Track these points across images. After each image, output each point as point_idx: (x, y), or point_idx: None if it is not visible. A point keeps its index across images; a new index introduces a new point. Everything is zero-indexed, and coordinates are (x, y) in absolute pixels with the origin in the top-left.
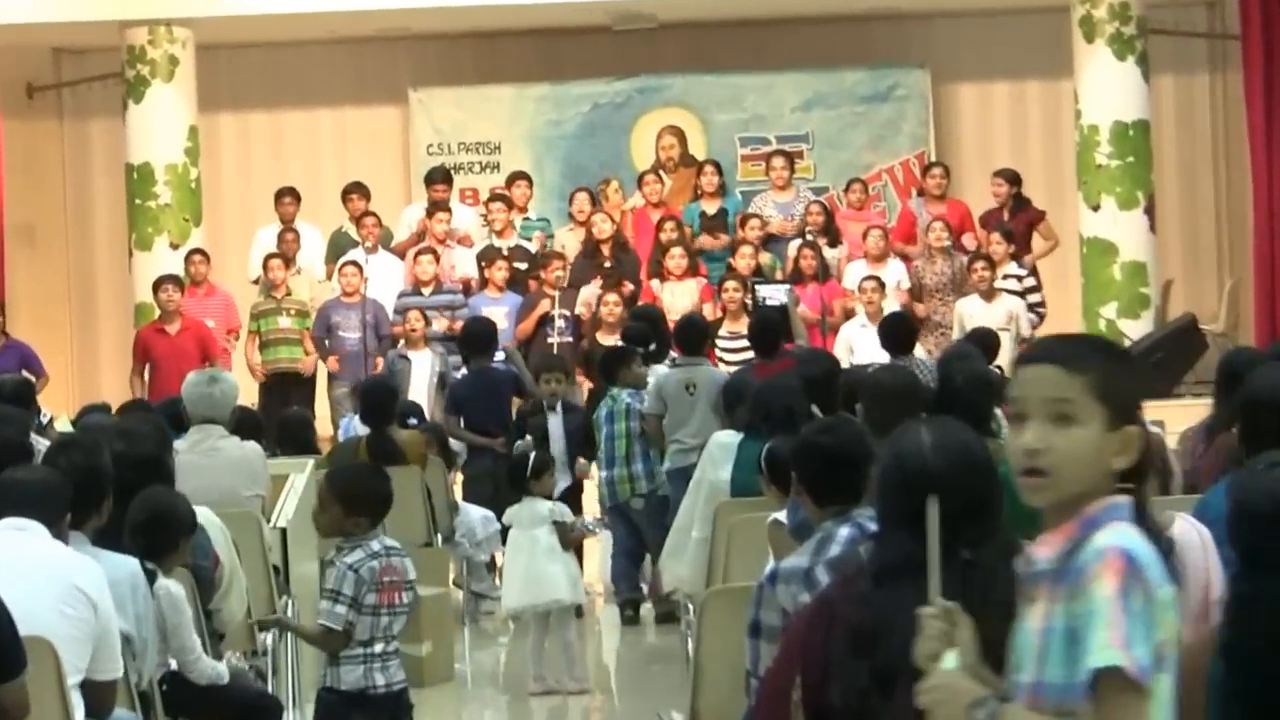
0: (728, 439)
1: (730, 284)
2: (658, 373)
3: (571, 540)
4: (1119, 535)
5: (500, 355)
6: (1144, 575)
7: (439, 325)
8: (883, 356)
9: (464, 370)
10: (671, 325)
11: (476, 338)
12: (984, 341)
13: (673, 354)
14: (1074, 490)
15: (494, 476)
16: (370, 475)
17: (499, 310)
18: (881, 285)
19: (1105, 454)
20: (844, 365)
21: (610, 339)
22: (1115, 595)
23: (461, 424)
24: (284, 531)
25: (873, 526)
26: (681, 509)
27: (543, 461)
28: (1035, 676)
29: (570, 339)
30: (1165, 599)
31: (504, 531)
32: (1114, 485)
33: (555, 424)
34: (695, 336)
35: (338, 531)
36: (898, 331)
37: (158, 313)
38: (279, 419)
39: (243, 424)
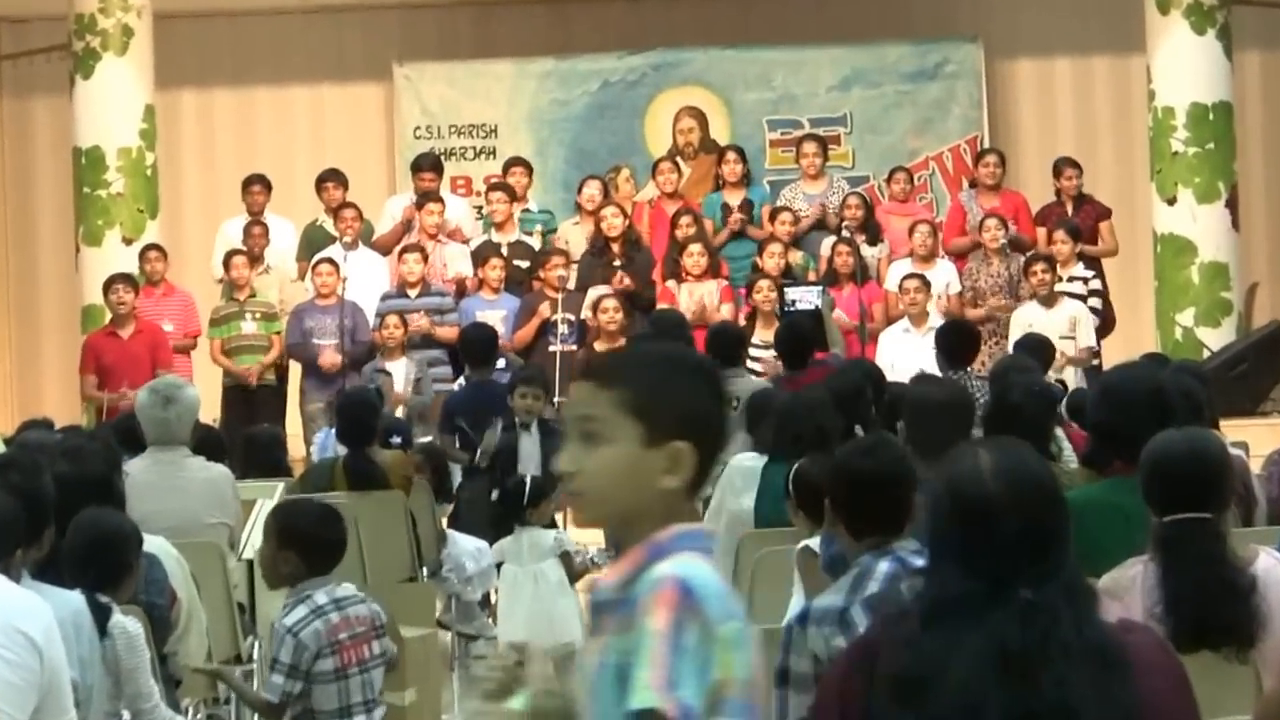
0: (750, 463)
1: (762, 284)
2: None
3: (577, 574)
4: (679, 565)
5: (501, 364)
6: (702, 609)
7: (415, 326)
8: (929, 367)
9: (460, 382)
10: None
11: (476, 345)
12: (1036, 349)
13: None
14: (611, 510)
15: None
16: (320, 515)
17: (495, 314)
18: (926, 285)
19: (645, 473)
20: (885, 377)
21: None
22: (665, 630)
23: (457, 443)
24: (250, 565)
25: (916, 561)
26: None
27: (540, 487)
28: (591, 717)
29: (574, 346)
30: (729, 635)
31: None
32: (685, 506)
33: (529, 445)
34: (730, 345)
35: (272, 577)
36: (957, 341)
37: (109, 317)
38: (244, 437)
39: (205, 444)
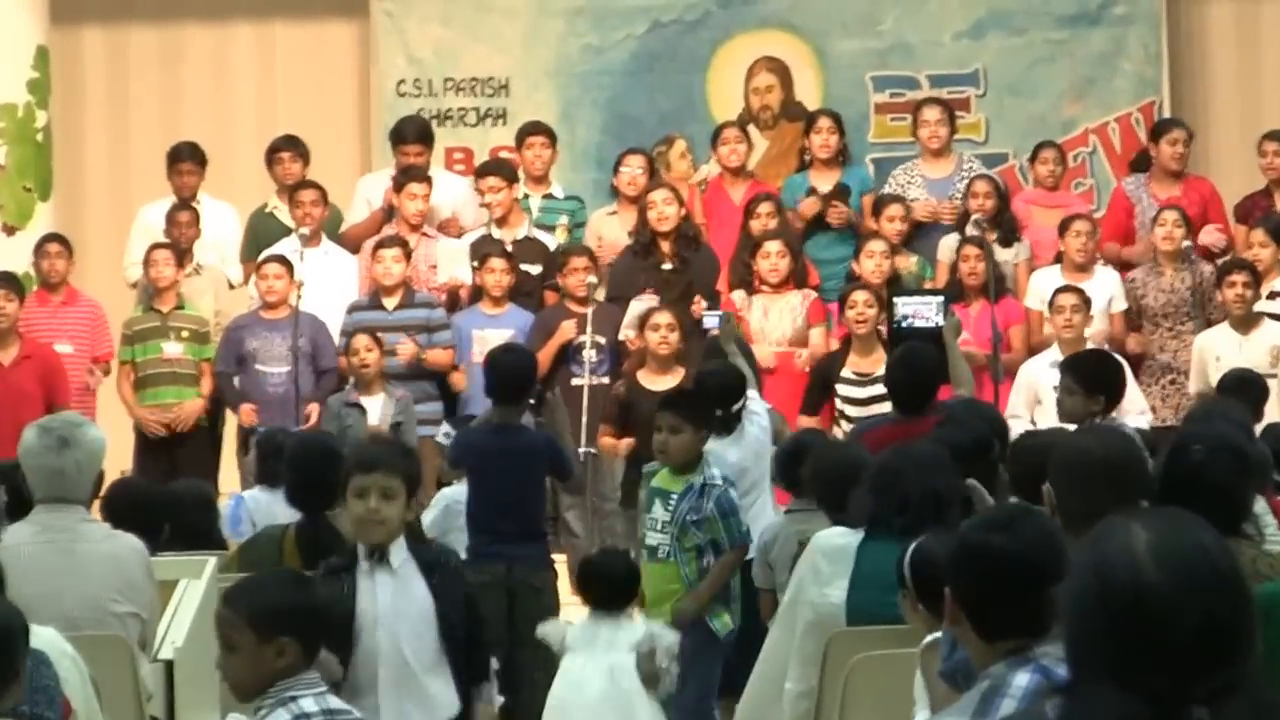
0: (841, 540)
1: (859, 297)
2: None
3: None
4: None
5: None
6: None
7: (402, 354)
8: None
9: (474, 421)
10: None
11: (508, 376)
12: (1245, 391)
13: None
14: None
15: (508, 588)
16: (292, 584)
17: (498, 333)
18: (1086, 303)
19: None
20: (1025, 425)
21: (661, 381)
22: None
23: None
24: (169, 666)
25: (1064, 672)
26: (768, 646)
27: (632, 569)
28: None
29: (606, 379)
30: None
31: (506, 670)
32: None
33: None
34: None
35: (257, 681)
36: (1093, 375)
37: None
38: (163, 495)
39: (116, 504)
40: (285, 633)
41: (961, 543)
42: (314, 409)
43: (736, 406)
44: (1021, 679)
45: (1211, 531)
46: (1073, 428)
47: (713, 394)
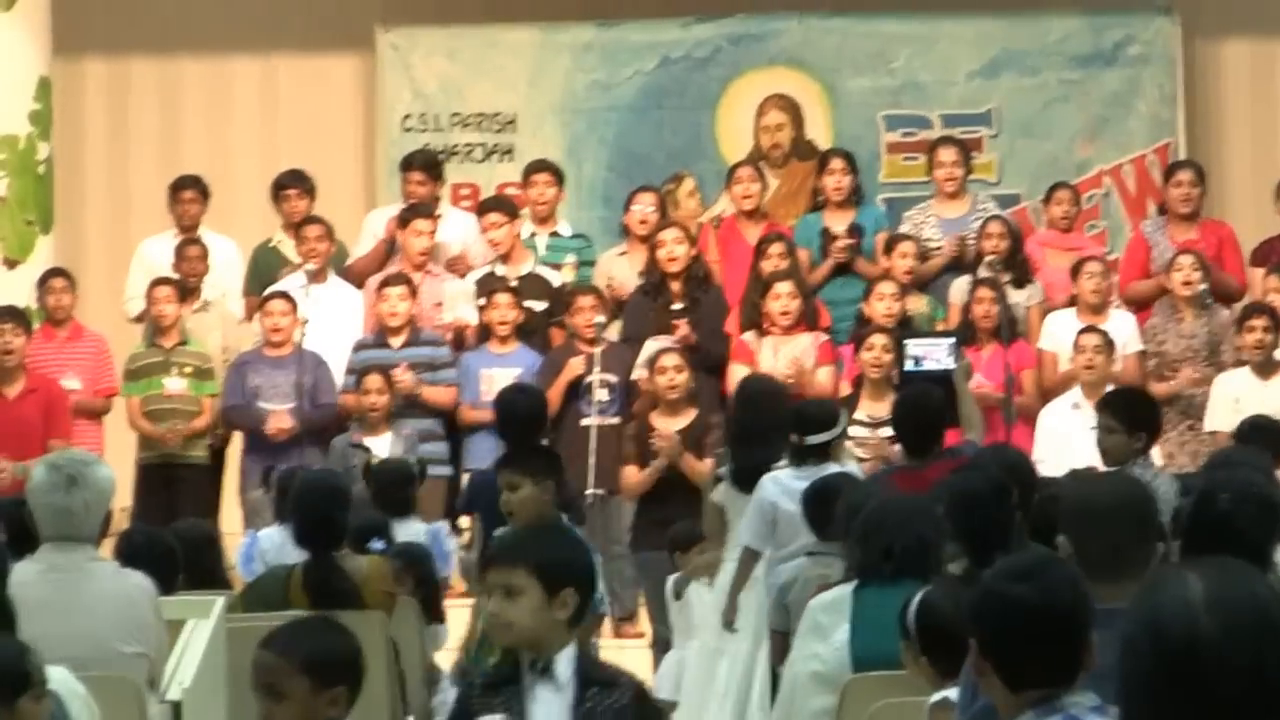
0: (833, 595)
1: (877, 341)
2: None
3: None
4: None
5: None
6: None
7: (401, 382)
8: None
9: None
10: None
11: (518, 416)
12: (1264, 438)
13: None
14: None
15: None
16: (340, 631)
17: (506, 373)
18: (1109, 344)
19: None
20: (1034, 471)
21: (673, 423)
22: None
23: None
24: (177, 707)
25: None
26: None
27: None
28: None
29: (616, 419)
30: None
31: None
32: None
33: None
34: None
35: None
36: (1133, 413)
37: None
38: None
39: (131, 544)
40: (340, 682)
41: (985, 592)
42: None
43: (824, 438)
44: None
45: (1264, 582)
46: (1103, 467)
47: (806, 422)
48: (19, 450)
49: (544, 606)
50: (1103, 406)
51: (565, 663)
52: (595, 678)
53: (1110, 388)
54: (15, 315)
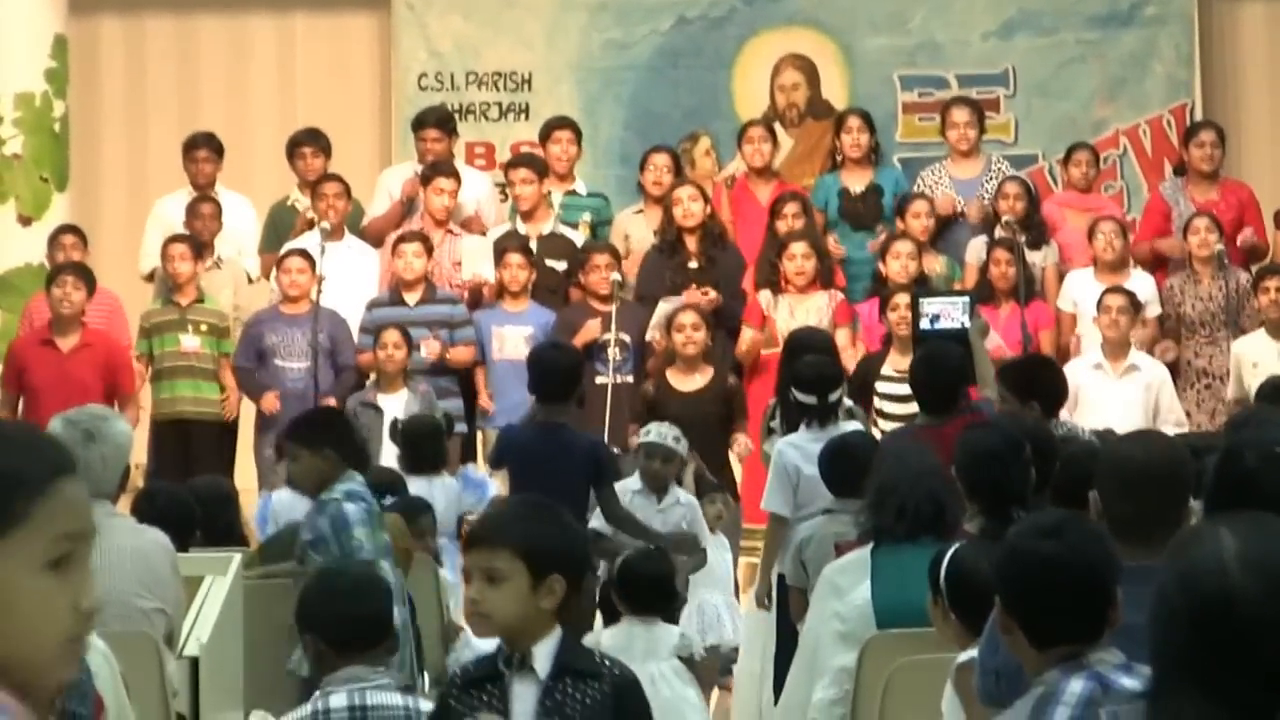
0: (846, 562)
1: (901, 300)
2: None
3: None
4: None
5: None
6: None
7: (426, 351)
8: (1132, 418)
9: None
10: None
11: (549, 372)
12: None
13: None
14: None
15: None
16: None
17: (519, 330)
18: (1134, 304)
19: None
20: (1067, 430)
21: (689, 381)
22: None
23: None
24: (194, 663)
25: (1120, 680)
26: (790, 683)
27: (672, 569)
28: None
29: (630, 377)
30: None
31: None
32: None
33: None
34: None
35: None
36: (1024, 381)
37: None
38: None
39: (150, 501)
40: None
41: (1010, 550)
42: (331, 403)
43: (833, 398)
44: (1075, 686)
45: None
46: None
47: (816, 381)
48: (67, 405)
49: (528, 594)
50: (998, 376)
51: (545, 654)
52: (574, 667)
53: (1134, 348)
54: (80, 271)
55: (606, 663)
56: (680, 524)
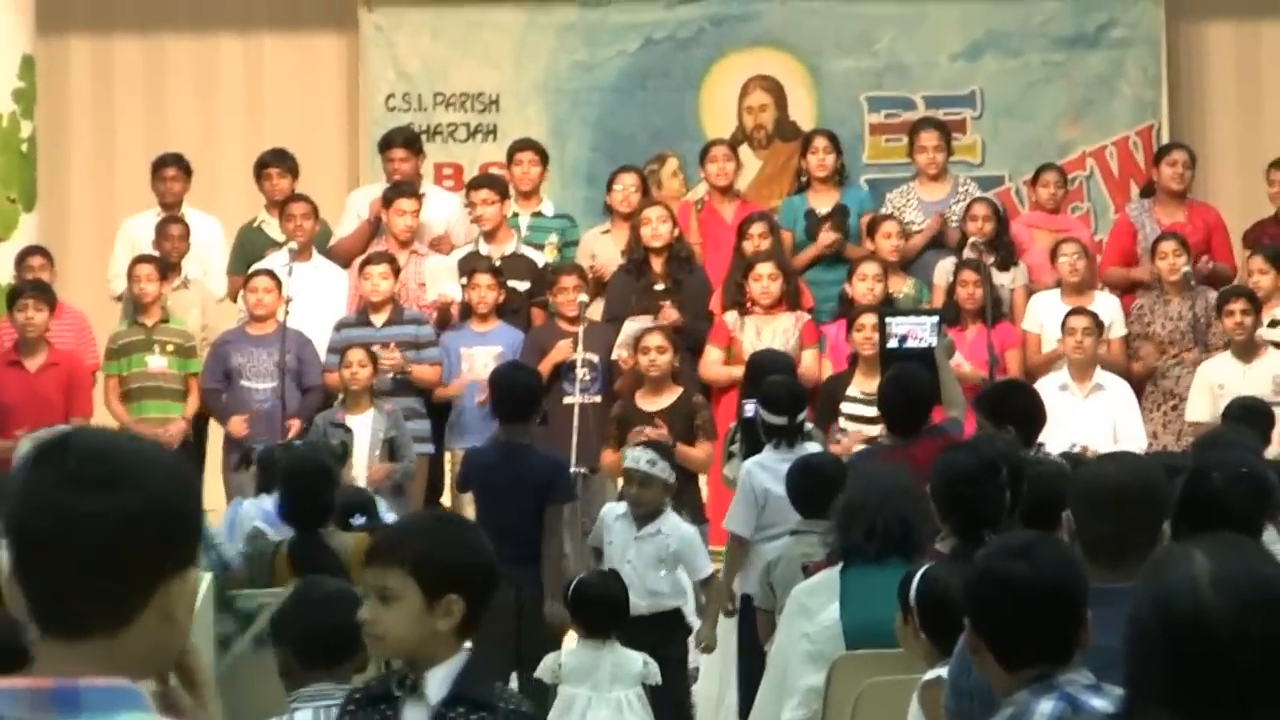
0: (815, 584)
1: (867, 320)
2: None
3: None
4: None
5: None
6: None
7: (387, 362)
8: (1101, 441)
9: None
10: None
11: (513, 395)
12: (1252, 419)
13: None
14: None
15: (520, 610)
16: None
17: (487, 351)
18: (1098, 325)
19: None
20: (1018, 455)
21: (656, 402)
22: None
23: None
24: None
25: (1090, 700)
26: (759, 703)
27: (624, 591)
28: None
29: (598, 398)
30: None
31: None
32: None
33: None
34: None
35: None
36: (999, 406)
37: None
38: None
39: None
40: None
41: (980, 571)
42: (295, 425)
43: (800, 418)
44: (1045, 706)
45: (1273, 561)
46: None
47: (782, 401)
48: (38, 423)
49: (422, 614)
50: (974, 404)
51: (440, 679)
52: (469, 697)
53: (1099, 369)
54: (41, 290)
55: (506, 697)
56: (660, 555)
